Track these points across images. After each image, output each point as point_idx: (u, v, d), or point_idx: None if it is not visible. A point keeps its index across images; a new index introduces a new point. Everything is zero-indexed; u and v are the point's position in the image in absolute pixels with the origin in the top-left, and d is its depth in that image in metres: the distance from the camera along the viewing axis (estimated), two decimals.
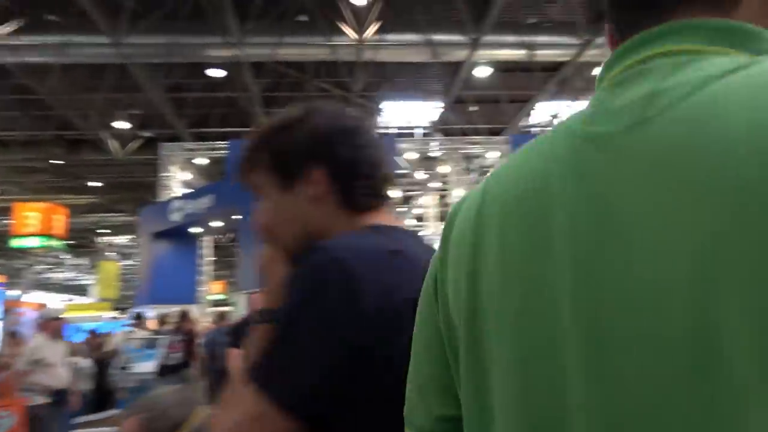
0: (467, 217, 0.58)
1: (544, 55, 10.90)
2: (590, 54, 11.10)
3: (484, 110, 14.80)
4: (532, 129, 15.34)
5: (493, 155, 12.65)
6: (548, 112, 15.02)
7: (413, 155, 13.04)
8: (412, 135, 14.60)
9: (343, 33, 9.65)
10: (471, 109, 14.43)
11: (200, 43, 9.78)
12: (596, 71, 12.10)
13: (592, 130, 0.49)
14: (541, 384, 0.47)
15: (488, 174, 0.61)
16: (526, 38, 10.38)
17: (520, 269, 0.50)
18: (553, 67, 12.27)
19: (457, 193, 14.44)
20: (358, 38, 9.54)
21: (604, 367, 0.42)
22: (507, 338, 0.50)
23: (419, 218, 17.10)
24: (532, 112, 14.89)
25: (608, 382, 0.42)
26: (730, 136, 0.37)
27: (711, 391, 0.37)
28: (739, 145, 0.37)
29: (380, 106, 14.44)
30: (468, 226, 0.57)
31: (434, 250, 0.67)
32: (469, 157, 14.89)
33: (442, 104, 13.71)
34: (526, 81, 13.00)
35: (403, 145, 12.48)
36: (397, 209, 19.94)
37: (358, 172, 0.94)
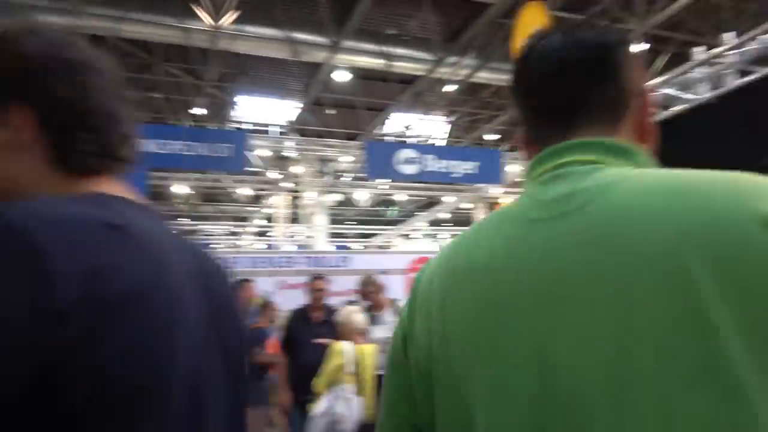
0: (430, 288, 0.70)
1: (401, 66, 11.21)
2: (442, 71, 11.65)
3: (341, 115, 14.88)
4: (386, 137, 15.74)
5: (347, 159, 12.70)
6: (402, 123, 15.51)
7: (266, 152, 12.65)
8: (266, 132, 14.19)
9: (197, 17, 9.06)
10: (328, 112, 14.42)
11: (28, 3, 8.56)
12: (447, 88, 12.83)
13: (531, 216, 0.65)
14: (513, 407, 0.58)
15: (445, 248, 0.74)
16: (385, 48, 10.58)
17: (479, 331, 0.63)
18: (408, 80, 12.68)
19: (309, 195, 14.31)
20: (214, 24, 9.00)
21: (552, 397, 0.56)
22: (481, 386, 0.61)
23: (269, 218, 16.66)
24: (387, 121, 15.28)
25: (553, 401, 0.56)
26: (630, 228, 0.56)
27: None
28: (642, 234, 0.55)
29: (234, 100, 13.85)
30: (431, 296, 0.69)
31: (172, 230, 0.74)
32: (323, 160, 14.84)
33: (301, 105, 13.51)
34: (383, 90, 13.30)
35: (257, 142, 12.05)
36: (247, 208, 19.29)
37: (82, 121, 0.72)
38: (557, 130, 0.71)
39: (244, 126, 14.59)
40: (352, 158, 12.51)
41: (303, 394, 4.10)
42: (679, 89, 4.04)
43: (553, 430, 0.55)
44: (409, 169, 11.73)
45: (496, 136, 16.94)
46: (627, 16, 10.48)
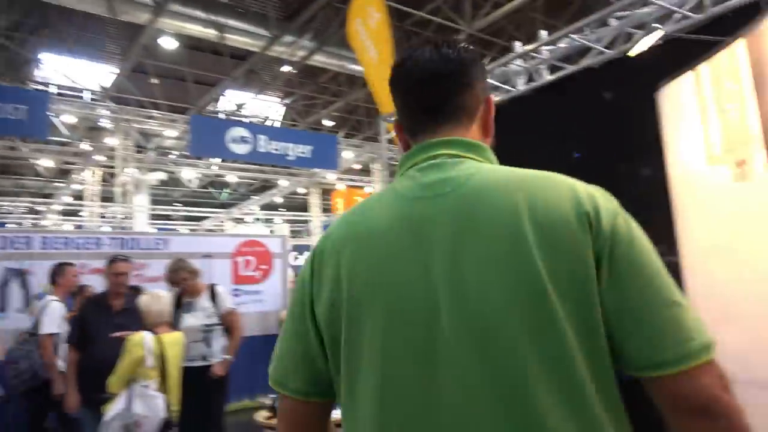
0: (332, 253, 0.88)
1: (234, 40, 10.51)
2: (278, 50, 11.18)
3: (168, 86, 13.64)
4: (219, 114, 14.76)
5: (171, 134, 11.62)
6: (235, 101, 14.68)
7: (75, 119, 11.07)
8: (81, 97, 12.44)
9: None
10: (153, 82, 13.11)
11: None
12: (285, 68, 12.37)
13: (415, 195, 0.86)
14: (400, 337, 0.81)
15: (341, 221, 0.93)
16: (217, 18, 9.82)
17: (382, 281, 0.83)
18: (242, 56, 11.98)
19: (129, 172, 12.89)
20: None
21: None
22: (376, 327, 0.81)
23: (78, 196, 14.73)
24: (221, 98, 14.34)
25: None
26: (490, 207, 0.81)
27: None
28: (495, 211, 0.80)
29: (39, 57, 11.94)
30: (335, 261, 0.87)
31: None
32: (145, 134, 13.47)
33: (118, 70, 12.05)
34: (215, 64, 12.42)
35: (64, 107, 10.47)
36: (54, 183, 16.88)
37: None
38: (426, 124, 0.93)
39: (51, 90, 12.65)
40: (176, 132, 11.46)
41: (98, 393, 3.51)
42: (500, 81, 4.17)
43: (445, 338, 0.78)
44: (241, 149, 11.10)
45: (332, 122, 16.86)
46: (456, 17, 10.97)
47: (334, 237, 0.90)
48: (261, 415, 3.93)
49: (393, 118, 4.36)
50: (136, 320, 3.48)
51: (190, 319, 4.38)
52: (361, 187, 19.55)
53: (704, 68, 2.53)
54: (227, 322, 4.47)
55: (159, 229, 15.71)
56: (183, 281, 4.35)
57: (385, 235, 0.84)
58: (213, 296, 4.49)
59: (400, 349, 0.79)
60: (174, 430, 3.22)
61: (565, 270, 0.75)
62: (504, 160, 0.91)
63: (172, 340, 3.34)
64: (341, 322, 0.84)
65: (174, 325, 4.32)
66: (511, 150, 3.97)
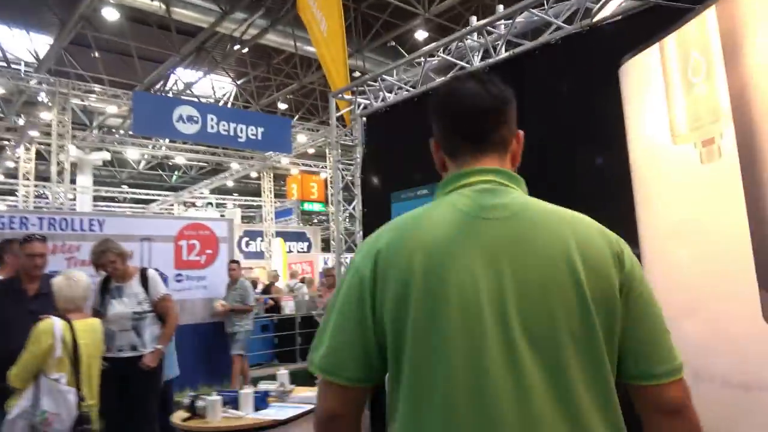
0: (398, 258, 0.95)
1: (181, 14, 9.93)
2: (228, 27, 10.65)
3: (111, 61, 12.85)
4: (170, 93, 14.02)
5: (112, 110, 10.92)
6: (184, 79, 13.98)
7: (2, 91, 10.23)
8: (8, 67, 11.52)
9: None
10: (94, 55, 12.31)
11: None
12: (237, 47, 11.79)
13: (478, 214, 0.96)
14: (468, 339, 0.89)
15: (394, 229, 1.01)
16: None
17: (454, 287, 0.91)
18: (191, 32, 11.37)
19: (73, 152, 12.09)
20: None
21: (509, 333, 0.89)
22: (451, 326, 0.90)
23: (12, 174, 13.76)
24: (172, 76, 13.61)
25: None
26: (546, 236, 0.94)
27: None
28: (550, 239, 0.94)
29: None
30: (403, 265, 0.93)
31: None
32: (88, 112, 12.68)
33: (53, 40, 11.21)
34: (162, 40, 11.75)
35: None
36: None
37: None
38: (469, 151, 1.05)
39: None
40: (117, 109, 10.77)
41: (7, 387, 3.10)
42: (456, 57, 3.92)
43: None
44: (188, 129, 10.53)
45: (286, 106, 16.35)
46: (413, 1, 10.70)
47: (395, 243, 0.97)
48: (177, 416, 3.51)
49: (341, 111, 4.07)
50: (54, 306, 3.09)
51: (118, 306, 3.98)
52: (316, 173, 19.15)
53: (670, 40, 2.34)
54: (160, 309, 4.10)
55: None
56: (110, 264, 3.94)
57: (455, 247, 0.93)
58: (144, 281, 4.10)
59: (469, 343, 0.88)
60: (87, 427, 2.85)
61: (601, 295, 0.92)
62: None
63: (87, 327, 2.96)
64: (408, 319, 0.92)
65: (101, 312, 3.94)
66: None
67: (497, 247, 0.92)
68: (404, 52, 11.81)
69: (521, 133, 1.10)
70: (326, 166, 16.87)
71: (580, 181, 3.05)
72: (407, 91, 4.36)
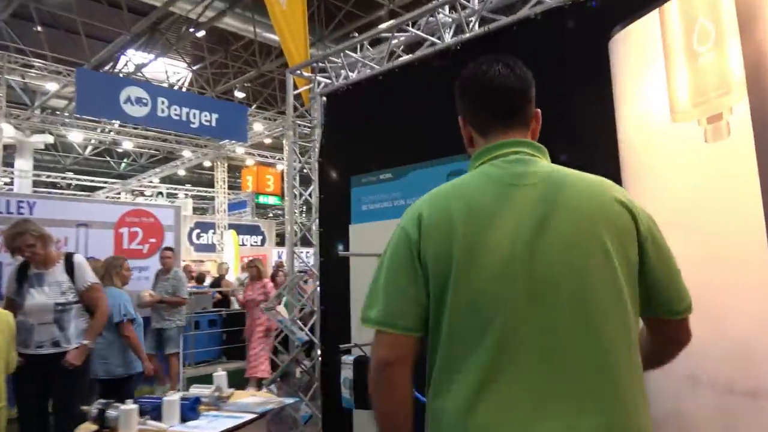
0: (441, 220, 1.05)
1: None
2: (184, 7, 10.02)
3: (56, 37, 11.94)
4: (121, 74, 13.13)
5: (53, 87, 10.07)
6: (135, 62, 13.15)
7: None
8: None
9: None
10: (37, 29, 11.40)
11: None
12: (193, 30, 11.12)
13: (511, 182, 1.07)
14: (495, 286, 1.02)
15: (438, 196, 1.12)
16: None
17: (489, 248, 1.02)
18: (143, 11, 10.65)
19: (11, 132, 11.14)
20: None
21: (535, 286, 1.01)
22: (489, 275, 1.01)
23: None
24: (123, 58, 12.76)
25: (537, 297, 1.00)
26: (575, 195, 1.05)
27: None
28: (580, 198, 1.05)
29: None
30: (446, 226, 1.04)
31: None
32: (29, 90, 11.74)
33: None
34: (112, 18, 10.97)
35: None
36: None
37: None
38: (499, 126, 1.15)
39: None
40: (57, 86, 9.95)
41: None
42: (426, 33, 3.58)
43: (538, 291, 1.01)
44: (137, 112, 9.85)
45: (243, 94, 15.70)
46: None
47: (436, 209, 1.07)
48: (84, 428, 2.71)
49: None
50: None
51: (38, 296, 3.46)
52: (273, 165, 18.53)
53: (672, 5, 2.06)
54: (88, 300, 3.59)
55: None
56: (27, 248, 3.41)
57: (491, 211, 1.04)
58: (70, 268, 3.58)
59: (506, 290, 1.00)
60: None
61: (621, 247, 1.03)
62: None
63: None
64: (450, 273, 1.02)
65: (17, 302, 3.41)
66: (436, 108, 3.36)
67: (529, 210, 1.03)
68: (368, 46, 11.42)
69: (539, 111, 1.22)
70: (283, 158, 16.30)
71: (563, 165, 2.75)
72: (372, 68, 3.99)
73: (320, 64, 4.21)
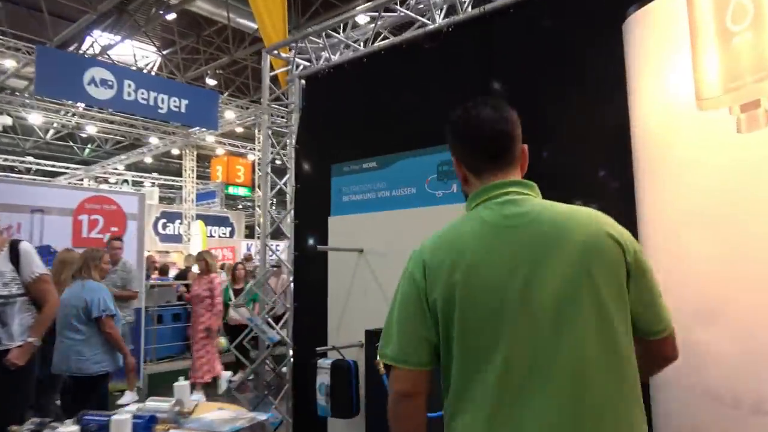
0: (441, 264, 1.15)
1: None
2: None
3: (16, 13, 11.23)
4: (86, 54, 12.42)
5: (10, 64, 9.42)
6: (101, 43, 12.49)
7: None
8: None
9: None
10: None
11: None
12: (163, 12, 10.58)
13: (502, 224, 1.16)
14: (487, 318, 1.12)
15: (432, 241, 1.22)
16: None
17: (487, 287, 1.12)
18: None
19: None
20: None
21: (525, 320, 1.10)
22: (481, 317, 1.12)
23: None
24: (88, 39, 12.08)
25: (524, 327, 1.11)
26: (566, 233, 1.13)
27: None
28: (569, 234, 1.13)
29: None
30: (447, 269, 1.14)
31: None
32: None
33: None
34: None
35: None
36: None
37: None
38: (489, 167, 1.24)
39: None
40: (14, 62, 9.32)
41: None
42: (416, 13, 3.31)
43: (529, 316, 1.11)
44: (102, 94, 9.30)
45: (215, 82, 15.14)
46: None
47: (437, 254, 1.18)
48: None
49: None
50: None
51: None
52: (244, 155, 18.01)
53: None
54: (35, 293, 3.23)
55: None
56: None
57: (485, 253, 1.14)
58: (15, 256, 3.20)
59: (504, 324, 1.10)
60: None
61: (612, 277, 1.13)
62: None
63: None
64: (454, 313, 1.13)
65: None
66: (426, 93, 3.07)
67: (521, 250, 1.13)
68: (344, 39, 11.08)
69: (526, 147, 1.30)
70: (255, 149, 15.84)
71: (566, 161, 2.52)
72: (355, 50, 3.70)
73: (300, 45, 3.89)
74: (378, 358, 1.21)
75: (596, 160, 2.46)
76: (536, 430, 1.05)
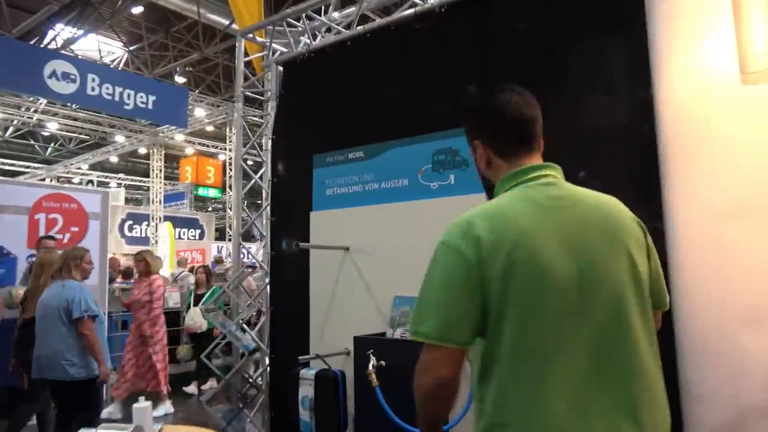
0: (499, 242, 1.10)
1: None
2: None
3: None
4: (48, 46, 11.75)
5: None
6: (63, 37, 11.86)
7: None
8: None
9: None
10: None
11: None
12: (129, 5, 10.08)
13: (552, 204, 1.17)
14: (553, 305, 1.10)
15: (483, 218, 1.15)
16: None
17: (551, 266, 1.10)
18: None
19: None
20: None
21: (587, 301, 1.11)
22: (550, 291, 1.10)
23: None
24: (51, 32, 11.44)
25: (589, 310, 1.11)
26: (602, 215, 1.18)
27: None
28: (610, 217, 1.19)
29: None
30: (507, 247, 1.10)
31: None
32: None
33: None
34: None
35: None
36: None
37: None
38: (520, 151, 1.25)
39: None
40: None
41: None
42: None
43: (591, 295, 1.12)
44: (64, 88, 8.75)
45: (184, 79, 14.59)
46: None
47: (495, 231, 1.12)
48: None
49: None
50: None
51: None
52: (214, 155, 17.44)
53: None
54: None
55: None
56: None
57: (542, 231, 1.12)
58: None
59: (563, 303, 1.10)
60: None
61: (641, 256, 1.19)
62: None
63: None
64: (512, 288, 1.08)
65: None
66: (417, 77, 2.78)
67: (571, 229, 1.14)
68: (326, 21, 10.72)
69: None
70: (226, 148, 15.33)
71: (589, 142, 2.26)
72: (338, 33, 3.40)
73: (278, 27, 3.57)
74: (414, 336, 1.14)
75: (601, 146, 2.22)
76: (616, 410, 1.07)
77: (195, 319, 6.23)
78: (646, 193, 1.91)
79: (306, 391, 2.53)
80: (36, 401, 3.84)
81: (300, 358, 2.62)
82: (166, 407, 5.13)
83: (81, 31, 11.44)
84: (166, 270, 11.75)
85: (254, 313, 4.00)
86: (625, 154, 2.13)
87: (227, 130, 14.62)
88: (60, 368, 3.21)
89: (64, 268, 3.46)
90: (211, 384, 6.17)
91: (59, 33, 11.68)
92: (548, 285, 1.08)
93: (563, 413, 1.04)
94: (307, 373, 2.58)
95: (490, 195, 1.28)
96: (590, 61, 2.28)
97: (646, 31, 1.96)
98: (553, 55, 2.43)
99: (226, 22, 10.84)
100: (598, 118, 2.23)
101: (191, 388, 6.13)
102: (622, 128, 2.14)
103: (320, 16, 3.54)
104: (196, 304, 6.27)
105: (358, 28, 3.24)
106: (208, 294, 6.32)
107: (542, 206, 1.15)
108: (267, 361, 3.39)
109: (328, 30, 3.53)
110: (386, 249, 2.64)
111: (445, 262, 1.13)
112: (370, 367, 2.23)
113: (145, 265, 5.39)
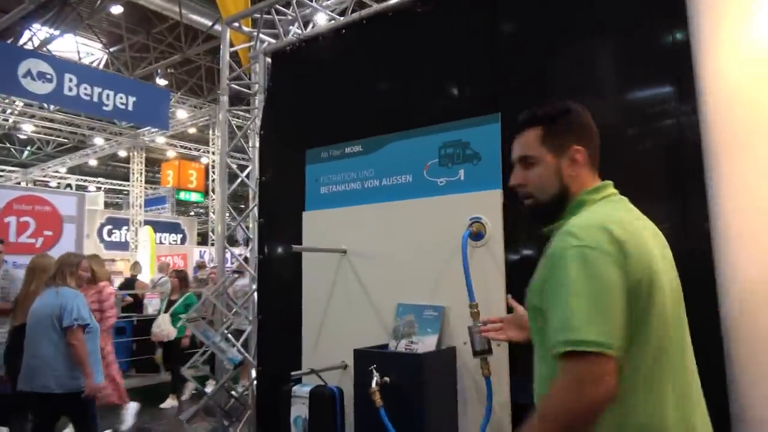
0: (635, 244, 1.11)
1: None
2: None
3: None
4: (24, 47, 11.24)
5: None
6: (40, 37, 11.39)
7: None
8: None
9: None
10: None
11: None
12: (108, 4, 9.68)
13: (638, 216, 1.25)
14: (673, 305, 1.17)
15: (614, 220, 1.16)
16: None
17: (665, 274, 1.16)
18: None
19: None
20: None
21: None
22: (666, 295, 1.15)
23: None
24: (27, 32, 10.95)
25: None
26: (655, 229, 1.26)
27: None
28: (657, 231, 1.27)
29: None
30: (641, 250, 1.12)
31: None
32: None
33: None
34: None
35: None
36: None
37: None
38: (597, 167, 1.32)
39: None
40: None
41: None
42: None
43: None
44: (40, 88, 8.39)
45: (166, 82, 14.18)
46: None
47: (633, 236, 1.13)
48: None
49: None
50: None
51: None
52: (197, 158, 17.01)
53: None
54: None
55: None
56: None
57: (648, 239, 1.18)
58: None
59: (674, 308, 1.16)
60: None
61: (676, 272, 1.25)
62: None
63: None
64: (647, 291, 1.10)
65: None
66: (420, 66, 2.51)
67: (656, 240, 1.21)
68: (318, 7, 10.44)
69: None
70: (209, 151, 14.91)
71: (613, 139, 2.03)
72: (332, 20, 3.13)
73: (266, 16, 3.29)
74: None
75: (617, 138, 2.00)
76: (699, 407, 1.15)
77: (162, 327, 5.78)
78: (690, 189, 1.68)
79: (299, 410, 2.24)
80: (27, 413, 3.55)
81: (293, 373, 2.33)
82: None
83: (58, 32, 11.00)
84: (147, 275, 11.31)
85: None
86: (664, 148, 1.90)
87: (210, 132, 14.22)
88: (47, 378, 2.96)
89: (58, 275, 3.22)
90: (190, 392, 5.81)
91: (36, 33, 11.22)
92: (666, 291, 1.12)
93: (680, 412, 1.08)
94: (301, 391, 2.29)
95: (552, 202, 1.26)
96: (600, 56, 2.06)
97: (686, 16, 1.74)
98: (562, 44, 2.20)
99: (209, 23, 10.52)
100: (630, 114, 2.00)
101: (168, 403, 5.64)
102: (660, 120, 1.92)
103: (311, 1, 3.27)
104: (167, 311, 5.89)
105: (353, 15, 2.99)
106: (180, 300, 5.89)
107: (636, 217, 1.22)
108: (254, 374, 3.09)
109: (321, 17, 3.27)
110: (388, 251, 2.37)
111: (595, 265, 1.06)
112: (374, 384, 1.96)
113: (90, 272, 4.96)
